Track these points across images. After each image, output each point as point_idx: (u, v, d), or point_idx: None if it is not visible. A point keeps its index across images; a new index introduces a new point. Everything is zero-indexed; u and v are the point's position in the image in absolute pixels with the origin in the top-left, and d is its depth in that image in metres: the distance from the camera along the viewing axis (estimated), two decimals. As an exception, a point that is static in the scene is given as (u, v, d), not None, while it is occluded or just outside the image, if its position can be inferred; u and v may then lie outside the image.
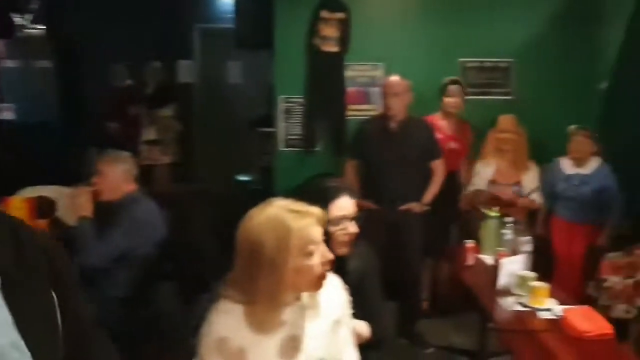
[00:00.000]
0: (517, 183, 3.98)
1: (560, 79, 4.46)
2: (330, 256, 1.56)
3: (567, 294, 3.59)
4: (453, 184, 4.12)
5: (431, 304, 4.05)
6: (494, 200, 3.71)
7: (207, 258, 4.66)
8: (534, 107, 4.20)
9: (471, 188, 4.04)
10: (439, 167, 3.72)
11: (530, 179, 3.97)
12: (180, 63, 6.73)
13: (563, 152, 3.94)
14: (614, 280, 3.35)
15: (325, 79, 4.26)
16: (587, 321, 2.38)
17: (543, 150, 4.09)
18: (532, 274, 2.79)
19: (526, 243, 3.15)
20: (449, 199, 4.03)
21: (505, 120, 3.99)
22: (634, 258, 3.41)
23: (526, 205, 3.89)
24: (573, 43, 4.46)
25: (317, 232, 1.55)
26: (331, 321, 1.64)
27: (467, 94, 4.18)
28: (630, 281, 3.23)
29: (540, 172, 3.99)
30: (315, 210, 1.57)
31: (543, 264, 3.72)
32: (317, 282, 1.57)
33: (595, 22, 4.48)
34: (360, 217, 3.52)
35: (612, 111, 4.29)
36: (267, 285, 1.49)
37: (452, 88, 3.98)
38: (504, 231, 3.28)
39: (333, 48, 4.26)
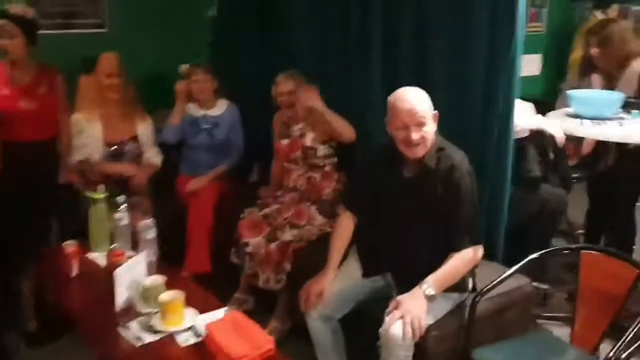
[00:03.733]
0: (134, 139, 3.14)
1: (162, 7, 3.68)
2: None
3: (201, 267, 3.04)
4: (47, 156, 2.99)
5: (40, 326, 2.92)
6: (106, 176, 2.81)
7: None
8: (133, 43, 3.35)
9: (74, 158, 3.01)
10: None
11: (147, 131, 3.20)
12: None
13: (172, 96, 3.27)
14: (255, 243, 2.86)
15: None
16: (239, 339, 1.74)
17: (149, 96, 3.34)
18: (160, 280, 2.01)
19: (148, 229, 2.34)
20: (40, 178, 2.90)
21: (109, 61, 3.07)
22: (269, 209, 2.98)
23: (144, 176, 3.11)
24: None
25: None
26: None
27: (42, 28, 3.01)
28: (274, 245, 2.76)
29: (153, 123, 3.27)
30: None
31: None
32: None
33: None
34: None
35: (221, 42, 3.76)
36: None
37: (2, 24, 2.74)
38: (117, 216, 2.40)
39: None
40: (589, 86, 3.29)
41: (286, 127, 3.14)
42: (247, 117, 3.47)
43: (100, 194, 2.44)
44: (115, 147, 3.08)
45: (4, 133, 2.74)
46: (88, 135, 3.05)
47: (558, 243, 3.39)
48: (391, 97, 2.11)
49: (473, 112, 2.53)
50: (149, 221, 2.36)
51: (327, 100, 2.88)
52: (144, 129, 3.18)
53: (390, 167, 2.18)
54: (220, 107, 3.41)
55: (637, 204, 3.15)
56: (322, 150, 3.03)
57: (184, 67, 3.35)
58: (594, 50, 3.10)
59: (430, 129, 2.07)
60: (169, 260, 2.46)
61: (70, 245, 2.29)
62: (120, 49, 3.12)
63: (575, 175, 3.27)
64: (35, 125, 2.85)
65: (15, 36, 2.74)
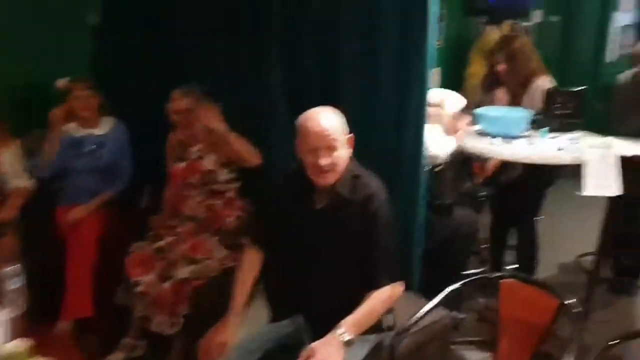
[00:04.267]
0: None
1: (33, 11, 3.25)
2: None
3: (82, 312, 2.65)
4: None
5: None
6: None
7: None
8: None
9: None
10: None
11: (11, 160, 2.79)
12: None
13: (44, 115, 2.88)
14: (146, 281, 2.54)
15: None
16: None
17: (17, 115, 2.95)
18: (24, 344, 1.65)
19: (13, 277, 1.95)
20: None
21: None
22: (163, 242, 2.66)
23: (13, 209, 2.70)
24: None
25: None
26: None
27: None
28: (167, 284, 2.45)
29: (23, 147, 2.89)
30: None
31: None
32: None
33: None
34: None
35: (106, 53, 3.39)
36: None
37: None
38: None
39: None
40: (492, 102, 3.27)
41: (183, 148, 2.84)
42: (136, 135, 3.11)
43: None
44: None
45: None
46: None
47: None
48: (301, 118, 1.89)
49: (384, 131, 2.39)
50: (14, 267, 1.98)
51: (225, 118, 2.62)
52: (8, 157, 2.78)
53: (299, 196, 1.95)
54: (105, 126, 3.04)
55: (536, 217, 3.17)
56: (223, 174, 2.76)
57: (61, 82, 2.94)
58: (501, 66, 3.08)
59: (343, 153, 1.88)
60: (42, 312, 2.09)
61: None
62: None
63: (482, 193, 3.24)
64: None
65: None
